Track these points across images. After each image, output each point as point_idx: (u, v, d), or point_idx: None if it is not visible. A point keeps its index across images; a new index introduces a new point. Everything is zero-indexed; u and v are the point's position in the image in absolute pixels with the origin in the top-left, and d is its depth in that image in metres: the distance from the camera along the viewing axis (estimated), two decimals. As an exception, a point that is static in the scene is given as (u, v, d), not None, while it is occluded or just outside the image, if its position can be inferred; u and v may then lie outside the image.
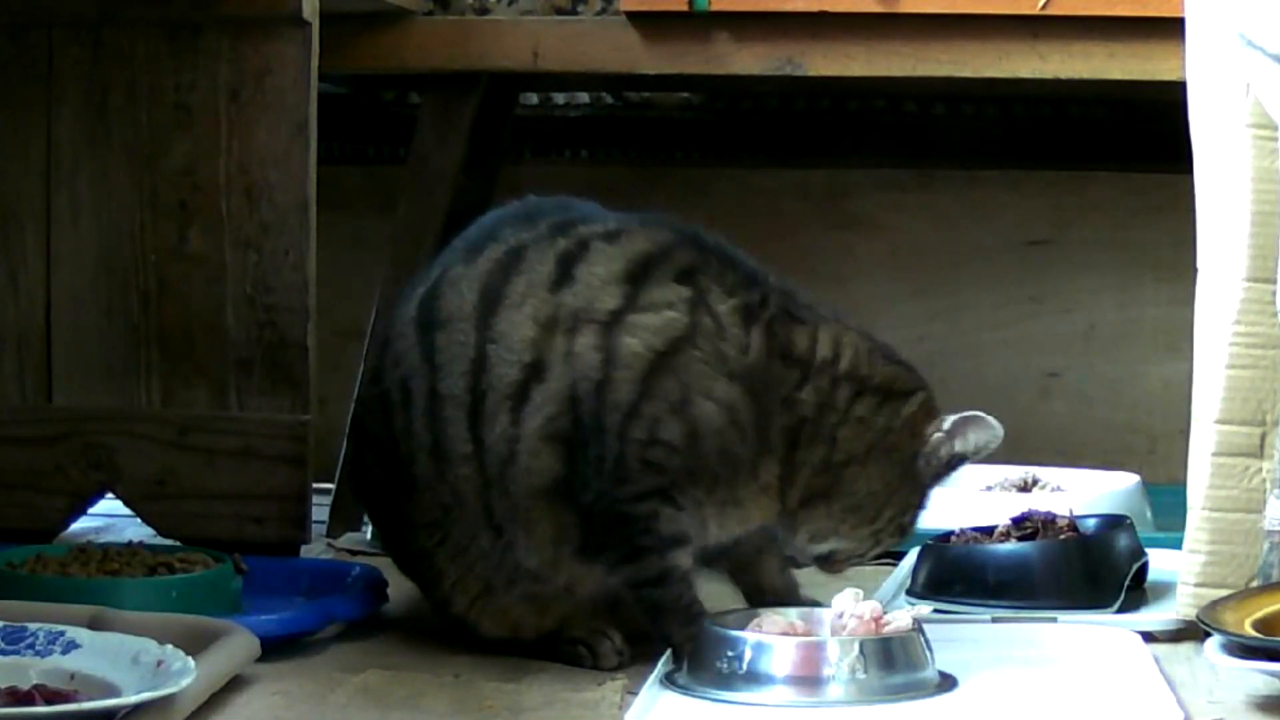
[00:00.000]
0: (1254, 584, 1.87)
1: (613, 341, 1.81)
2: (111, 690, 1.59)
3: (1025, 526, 2.11)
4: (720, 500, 1.83)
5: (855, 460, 1.84)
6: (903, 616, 1.75)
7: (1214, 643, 1.73)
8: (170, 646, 1.64)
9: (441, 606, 1.89)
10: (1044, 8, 2.46)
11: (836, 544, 1.86)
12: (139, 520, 2.32)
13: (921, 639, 1.73)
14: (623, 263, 1.84)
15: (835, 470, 1.84)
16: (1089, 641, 1.90)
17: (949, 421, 1.85)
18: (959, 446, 1.85)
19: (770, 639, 1.72)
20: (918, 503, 1.88)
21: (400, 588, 1.99)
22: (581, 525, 1.82)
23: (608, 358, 1.81)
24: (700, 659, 1.74)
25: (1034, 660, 1.85)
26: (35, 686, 1.60)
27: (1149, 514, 2.46)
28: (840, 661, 1.69)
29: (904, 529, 1.88)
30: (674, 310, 1.82)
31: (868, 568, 2.00)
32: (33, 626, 1.70)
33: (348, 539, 2.43)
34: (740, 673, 1.70)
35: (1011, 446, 2.90)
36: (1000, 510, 2.19)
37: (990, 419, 1.85)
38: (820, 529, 1.85)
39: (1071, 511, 2.15)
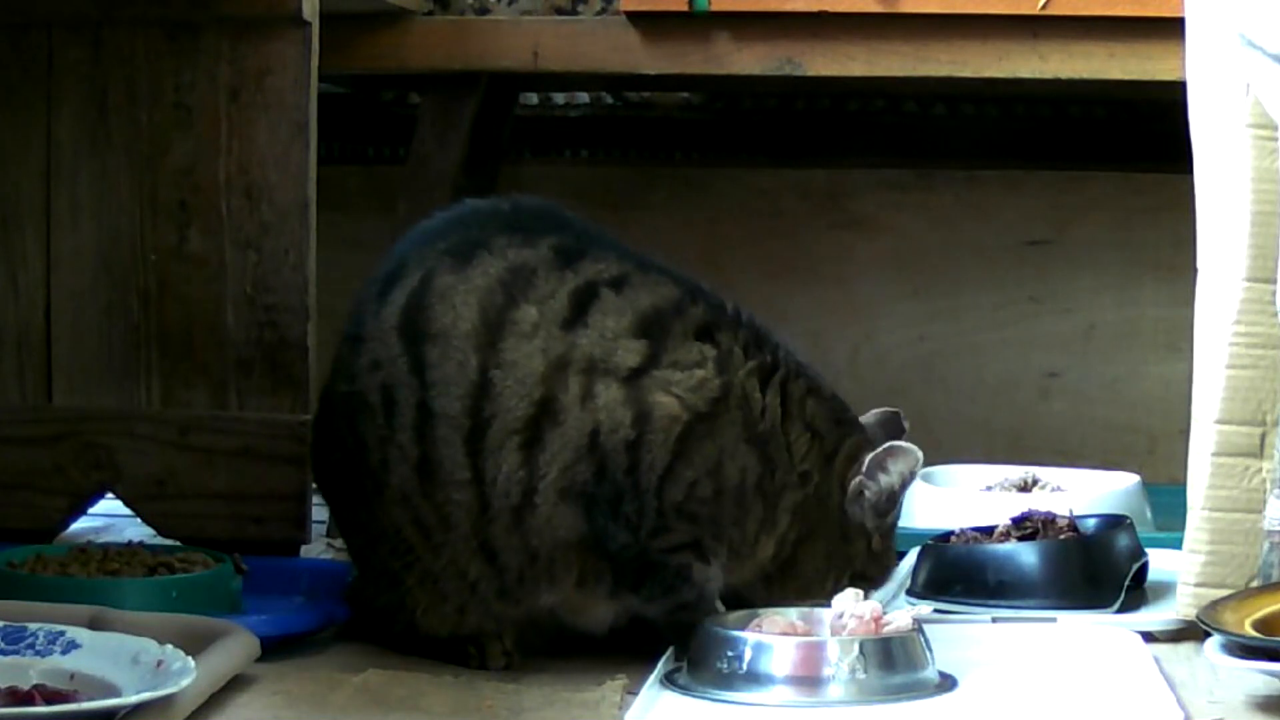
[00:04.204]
0: (1254, 584, 1.87)
1: (644, 398, 1.78)
2: (111, 690, 1.59)
3: (1025, 526, 2.11)
4: (721, 563, 1.83)
5: (807, 538, 1.84)
6: (903, 616, 1.75)
7: (1214, 643, 1.73)
8: (170, 646, 1.64)
9: (387, 615, 1.85)
10: (1044, 8, 2.46)
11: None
12: (139, 520, 2.32)
13: (921, 639, 1.73)
14: (632, 315, 1.80)
15: (792, 548, 1.84)
16: (1089, 641, 1.90)
17: (866, 462, 1.83)
18: (884, 482, 1.84)
19: (770, 639, 1.72)
20: (864, 547, 1.86)
21: (400, 588, 1.99)
22: (612, 569, 1.81)
23: (640, 415, 1.78)
24: (700, 659, 1.74)
25: (1034, 660, 1.85)
26: (35, 686, 1.60)
27: (1149, 514, 2.46)
28: (840, 661, 1.69)
29: (866, 574, 1.87)
30: (704, 370, 1.80)
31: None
32: (33, 626, 1.70)
33: (348, 539, 2.43)
34: (740, 673, 1.70)
35: (1011, 446, 2.95)
36: (1000, 510, 2.19)
37: (907, 445, 1.82)
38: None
39: (1071, 511, 2.15)
